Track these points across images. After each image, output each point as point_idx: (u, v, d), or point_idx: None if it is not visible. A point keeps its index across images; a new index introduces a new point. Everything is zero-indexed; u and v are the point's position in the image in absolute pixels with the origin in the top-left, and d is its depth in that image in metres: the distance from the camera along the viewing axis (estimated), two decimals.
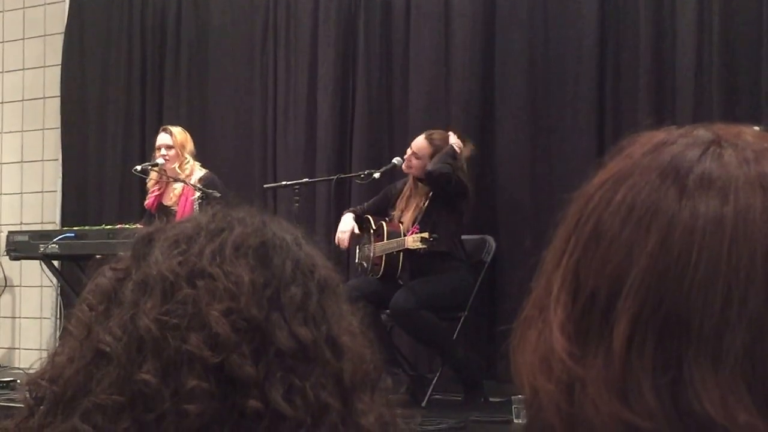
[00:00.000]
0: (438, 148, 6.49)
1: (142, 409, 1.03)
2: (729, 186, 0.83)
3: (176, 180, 7.30)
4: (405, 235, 6.35)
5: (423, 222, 6.38)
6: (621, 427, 0.80)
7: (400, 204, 6.67)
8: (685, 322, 0.80)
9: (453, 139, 6.46)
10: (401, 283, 6.46)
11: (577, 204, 0.91)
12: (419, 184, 6.61)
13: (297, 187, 6.69)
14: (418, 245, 6.13)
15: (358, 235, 6.76)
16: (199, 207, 6.74)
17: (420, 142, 6.58)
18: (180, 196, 7.34)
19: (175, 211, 7.16)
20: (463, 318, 6.52)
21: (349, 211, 6.82)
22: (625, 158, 0.89)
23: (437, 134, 6.61)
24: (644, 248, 0.82)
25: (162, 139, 7.37)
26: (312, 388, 1.06)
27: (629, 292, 0.82)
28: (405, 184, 6.75)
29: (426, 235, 6.12)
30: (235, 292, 1.07)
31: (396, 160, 6.62)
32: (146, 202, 7.52)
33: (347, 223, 6.67)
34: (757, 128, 0.97)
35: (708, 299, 0.80)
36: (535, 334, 0.88)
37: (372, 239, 6.67)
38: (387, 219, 6.69)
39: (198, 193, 6.99)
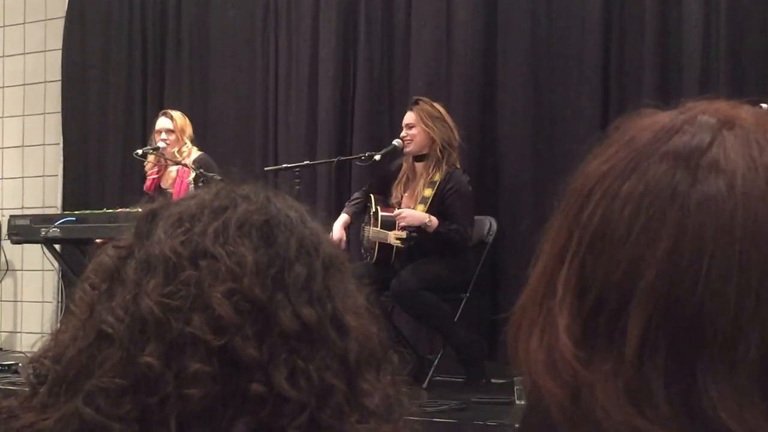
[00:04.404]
0: (423, 110, 6.53)
1: (145, 393, 1.03)
2: (735, 177, 0.83)
3: (175, 163, 7.32)
4: (394, 226, 6.38)
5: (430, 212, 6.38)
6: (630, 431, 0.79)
7: (398, 189, 6.67)
8: (698, 328, 0.80)
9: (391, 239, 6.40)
10: (397, 266, 6.44)
11: (577, 194, 0.90)
12: (416, 165, 6.61)
13: (298, 169, 6.68)
14: (398, 243, 6.20)
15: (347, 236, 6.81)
16: (195, 189, 6.76)
17: (406, 115, 6.64)
18: (176, 178, 7.36)
19: (172, 194, 7.18)
20: (464, 299, 6.53)
21: (345, 212, 6.81)
22: (627, 146, 0.88)
23: (415, 100, 6.67)
24: (654, 254, 0.81)
25: (162, 123, 7.38)
26: (316, 370, 1.05)
27: (641, 299, 0.81)
28: (399, 168, 6.75)
29: (404, 235, 6.16)
30: (238, 272, 1.06)
31: (396, 142, 6.61)
32: (145, 185, 7.54)
33: (335, 231, 6.63)
34: (765, 105, 0.96)
35: (721, 303, 0.79)
36: (538, 332, 0.87)
37: (371, 221, 6.68)
38: (385, 201, 6.69)
39: (193, 175, 7.03)
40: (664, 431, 0.79)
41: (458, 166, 6.53)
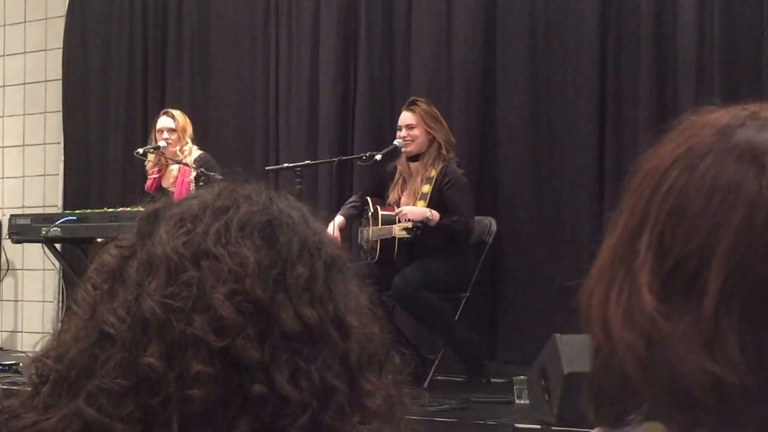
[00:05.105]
0: (424, 111, 6.57)
1: (147, 393, 1.03)
2: None
3: (175, 162, 7.33)
4: (395, 223, 6.37)
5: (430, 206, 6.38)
6: (706, 378, 0.90)
7: (395, 190, 6.68)
8: None
9: (396, 231, 6.39)
10: (398, 266, 6.44)
11: (653, 172, 1.00)
12: (411, 165, 6.62)
13: (299, 169, 6.68)
14: (403, 234, 6.19)
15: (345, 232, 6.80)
16: (196, 188, 6.75)
17: (404, 116, 6.66)
18: (177, 177, 7.37)
19: (173, 193, 7.19)
20: (464, 299, 6.53)
21: (340, 214, 6.81)
22: (694, 137, 0.99)
23: (413, 100, 6.70)
24: (730, 226, 0.92)
25: (164, 122, 7.39)
26: (318, 371, 1.05)
27: (717, 264, 0.91)
28: (394, 170, 6.76)
29: (410, 225, 6.16)
30: (239, 273, 1.06)
31: (397, 141, 6.62)
32: (146, 185, 7.55)
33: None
34: None
35: None
36: (616, 291, 0.97)
37: (370, 222, 6.68)
38: (382, 203, 6.70)
39: (194, 174, 7.04)
40: (735, 376, 0.89)
41: (452, 160, 6.54)
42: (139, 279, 1.07)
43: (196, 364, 1.02)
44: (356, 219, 6.93)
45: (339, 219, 6.71)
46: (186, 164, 7.27)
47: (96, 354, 1.06)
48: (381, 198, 6.77)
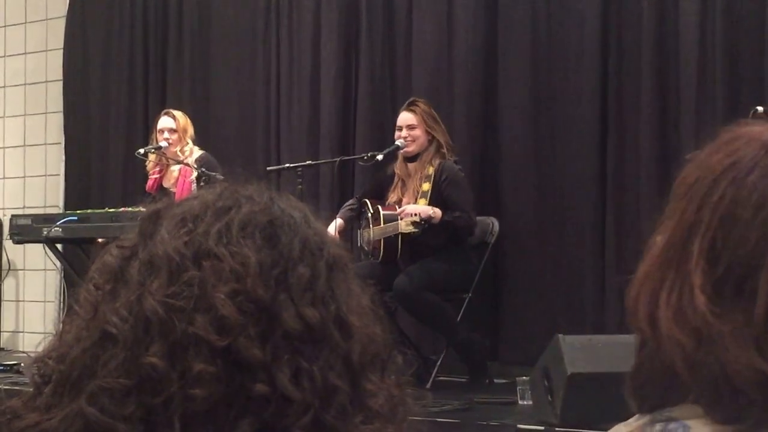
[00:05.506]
0: (424, 111, 6.58)
1: (149, 393, 1.02)
2: None
3: (176, 162, 7.33)
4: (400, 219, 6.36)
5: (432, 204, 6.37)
6: (755, 375, 0.97)
7: (395, 192, 6.67)
8: None
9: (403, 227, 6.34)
10: (401, 266, 6.44)
11: (701, 181, 1.06)
12: (408, 165, 6.62)
13: (300, 169, 6.68)
14: (411, 229, 6.15)
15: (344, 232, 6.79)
16: (197, 188, 6.76)
17: (405, 116, 6.65)
18: (178, 177, 7.37)
19: (174, 193, 7.19)
20: (467, 299, 6.53)
21: (339, 216, 6.80)
22: (740, 150, 1.06)
23: (413, 101, 6.70)
24: None
25: (165, 122, 7.39)
26: (320, 371, 1.05)
27: (766, 271, 0.98)
28: (393, 173, 6.75)
29: (417, 219, 6.13)
30: (241, 273, 1.06)
31: (399, 142, 6.61)
32: (147, 185, 7.55)
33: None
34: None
35: None
36: (666, 292, 1.04)
37: (371, 223, 6.67)
38: (382, 203, 6.69)
39: (195, 174, 7.04)
40: None
41: (449, 158, 6.54)
42: (140, 279, 1.07)
43: (198, 363, 1.02)
44: (355, 221, 6.93)
45: (338, 221, 6.71)
46: (187, 164, 7.28)
47: (98, 354, 1.06)
48: (380, 199, 6.76)
